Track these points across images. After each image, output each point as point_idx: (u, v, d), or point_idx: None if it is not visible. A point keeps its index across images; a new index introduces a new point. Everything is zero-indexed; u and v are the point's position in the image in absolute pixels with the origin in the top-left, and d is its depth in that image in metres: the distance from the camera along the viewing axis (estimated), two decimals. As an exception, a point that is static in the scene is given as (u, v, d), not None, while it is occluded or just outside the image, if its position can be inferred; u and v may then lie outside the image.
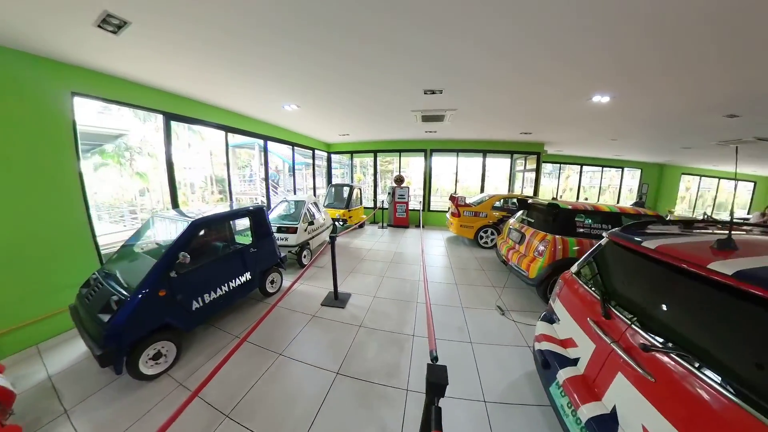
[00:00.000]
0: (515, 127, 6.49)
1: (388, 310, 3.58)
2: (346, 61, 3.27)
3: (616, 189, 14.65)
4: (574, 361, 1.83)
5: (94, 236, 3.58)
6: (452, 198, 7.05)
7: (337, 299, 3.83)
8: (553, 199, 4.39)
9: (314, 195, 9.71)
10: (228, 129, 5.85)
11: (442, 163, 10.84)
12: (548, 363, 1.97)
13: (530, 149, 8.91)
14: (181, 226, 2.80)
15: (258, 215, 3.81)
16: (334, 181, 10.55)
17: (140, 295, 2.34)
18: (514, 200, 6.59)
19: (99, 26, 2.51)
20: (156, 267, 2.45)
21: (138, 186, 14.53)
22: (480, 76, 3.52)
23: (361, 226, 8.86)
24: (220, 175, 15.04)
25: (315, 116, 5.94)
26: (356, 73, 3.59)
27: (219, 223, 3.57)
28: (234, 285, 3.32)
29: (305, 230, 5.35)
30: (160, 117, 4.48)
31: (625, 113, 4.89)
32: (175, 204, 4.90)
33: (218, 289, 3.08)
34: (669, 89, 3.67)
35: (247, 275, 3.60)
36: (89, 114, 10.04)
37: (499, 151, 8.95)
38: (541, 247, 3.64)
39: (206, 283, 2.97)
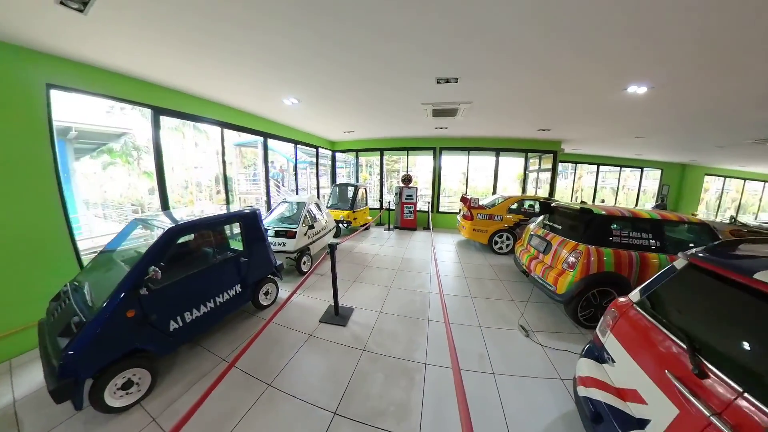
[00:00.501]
0: (534, 123, 6.00)
1: (395, 329, 3.17)
2: (350, 53, 2.93)
3: (629, 190, 13.92)
4: (641, 423, 1.39)
5: (73, 239, 3.28)
6: (464, 199, 6.59)
7: (337, 315, 3.44)
8: (582, 202, 3.91)
9: (318, 195, 9.35)
10: (224, 125, 5.52)
11: (450, 163, 10.37)
12: (601, 417, 1.54)
13: (546, 148, 8.38)
14: (157, 234, 2.43)
15: (250, 220, 3.44)
16: (339, 180, 10.15)
17: (102, 318, 1.97)
18: (532, 202, 6.10)
19: (61, 2, 2.16)
20: (123, 284, 2.09)
21: (146, 185, 14.76)
22: (501, 62, 3.08)
23: (367, 228, 8.46)
24: (227, 174, 15.10)
25: (317, 111, 5.56)
26: (361, 64, 3.21)
27: (203, 230, 3.17)
28: (222, 300, 2.95)
29: (305, 234, 4.97)
30: (150, 112, 4.18)
31: (662, 106, 4.38)
32: (165, 205, 4.59)
33: (202, 306, 2.71)
34: (718, 77, 3.18)
35: (237, 288, 3.23)
36: (93, 113, 9.95)
37: (513, 150, 8.44)
38: (572, 259, 3.18)
39: (188, 299, 2.60)
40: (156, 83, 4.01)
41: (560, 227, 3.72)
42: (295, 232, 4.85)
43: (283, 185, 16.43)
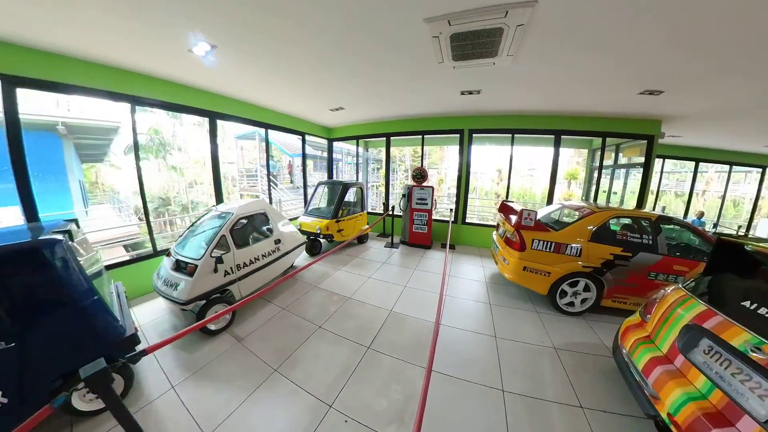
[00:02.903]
0: (642, 75, 3.25)
1: None
2: None
3: (713, 195, 10.02)
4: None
5: None
6: (506, 208, 4.01)
7: None
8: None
9: (305, 196, 7.23)
10: (134, 100, 3.65)
11: (483, 155, 7.73)
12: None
13: (636, 130, 5.38)
14: None
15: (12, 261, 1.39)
16: (325, 178, 7.85)
17: None
18: (644, 223, 3.31)
19: None
20: None
21: (185, 179, 15.95)
22: None
23: (361, 240, 6.18)
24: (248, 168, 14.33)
25: (260, 66, 3.36)
26: None
27: None
28: None
29: (213, 271, 2.87)
30: None
31: None
32: (30, 217, 2.86)
33: None
34: None
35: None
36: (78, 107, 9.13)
37: (583, 134, 5.56)
38: None
39: None
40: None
41: None
42: (196, 266, 2.78)
43: (292, 182, 14.85)
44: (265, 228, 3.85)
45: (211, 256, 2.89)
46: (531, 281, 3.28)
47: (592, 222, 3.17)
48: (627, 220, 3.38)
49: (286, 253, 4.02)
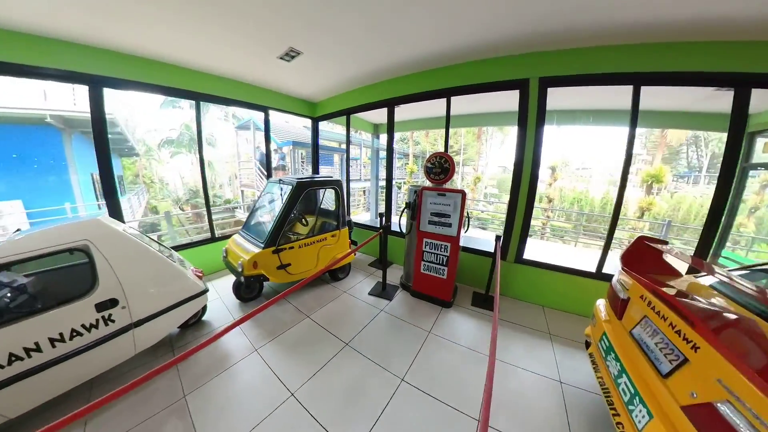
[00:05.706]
0: None
1: None
2: None
3: None
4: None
5: None
6: (657, 263, 1.36)
7: None
8: None
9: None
10: None
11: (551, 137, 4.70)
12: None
13: None
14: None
15: None
16: (275, 177, 4.77)
17: None
18: None
19: None
20: None
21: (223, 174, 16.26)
22: None
23: (336, 276, 3.78)
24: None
25: None
26: None
27: None
28: None
29: None
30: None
31: None
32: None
33: None
34: None
35: None
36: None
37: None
38: None
39: None
40: None
41: None
42: None
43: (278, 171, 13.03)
44: (77, 281, 1.61)
45: None
46: None
47: None
48: None
49: (141, 322, 1.77)
